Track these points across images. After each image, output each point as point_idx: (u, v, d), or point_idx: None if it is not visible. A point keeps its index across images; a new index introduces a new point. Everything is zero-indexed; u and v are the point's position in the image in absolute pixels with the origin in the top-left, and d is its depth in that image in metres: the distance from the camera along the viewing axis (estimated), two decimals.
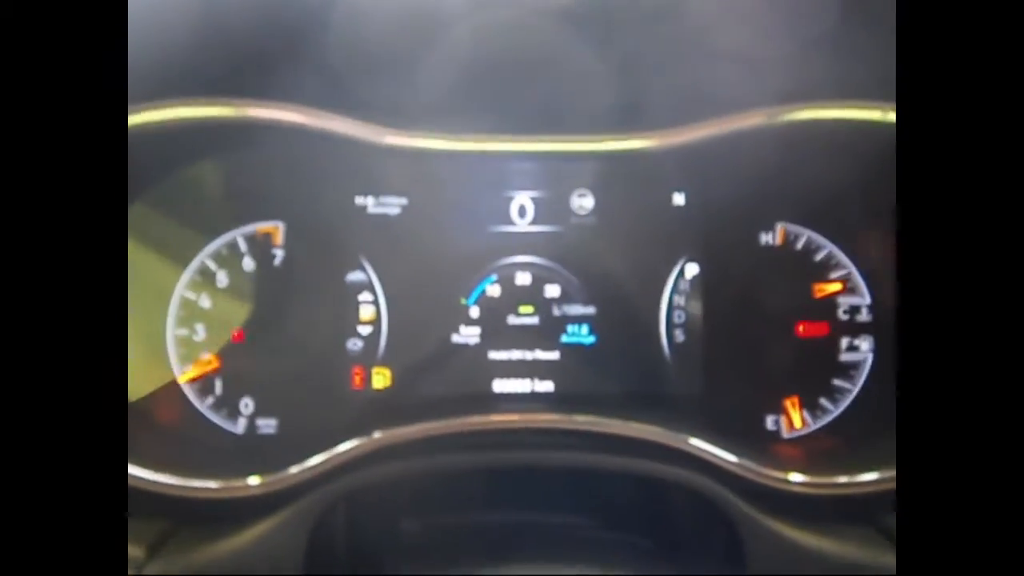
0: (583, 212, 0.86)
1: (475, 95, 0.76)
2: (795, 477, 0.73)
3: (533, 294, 0.86)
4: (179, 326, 0.86)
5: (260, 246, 0.87)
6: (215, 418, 0.86)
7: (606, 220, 0.85)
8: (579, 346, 0.86)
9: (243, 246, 0.87)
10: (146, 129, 0.71)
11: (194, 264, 0.86)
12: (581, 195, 0.86)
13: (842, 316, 0.88)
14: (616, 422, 0.75)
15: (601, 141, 0.79)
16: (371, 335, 0.85)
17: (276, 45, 0.69)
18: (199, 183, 0.86)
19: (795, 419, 0.88)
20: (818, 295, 0.88)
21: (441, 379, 0.85)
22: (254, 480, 0.72)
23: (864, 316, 0.88)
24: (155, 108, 0.71)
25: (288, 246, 0.87)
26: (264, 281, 0.87)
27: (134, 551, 0.66)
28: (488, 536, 0.77)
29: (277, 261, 0.87)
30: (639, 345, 0.86)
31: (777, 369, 0.87)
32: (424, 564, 0.74)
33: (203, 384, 0.86)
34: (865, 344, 0.88)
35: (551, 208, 0.85)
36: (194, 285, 0.86)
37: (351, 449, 0.72)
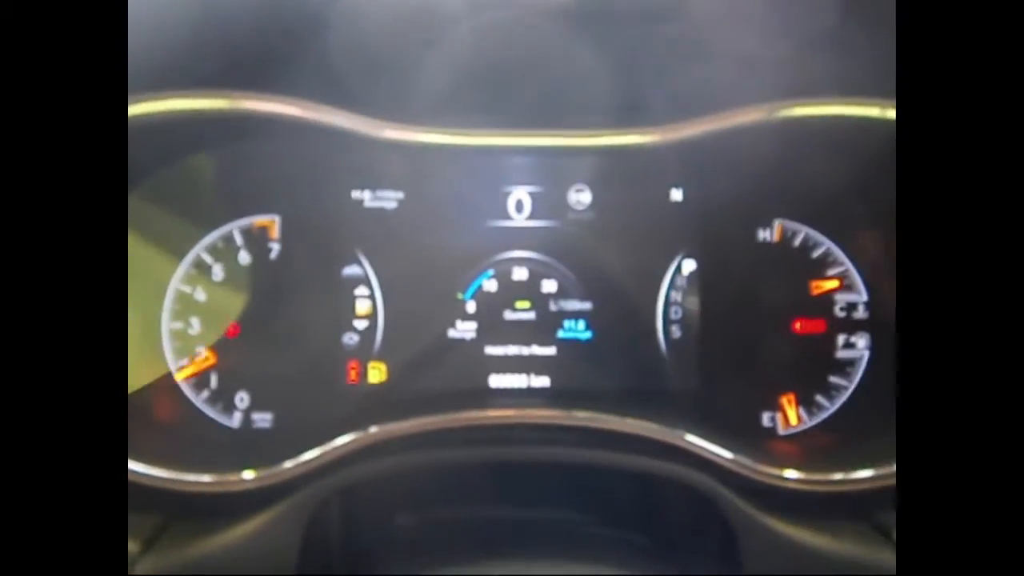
0: (580, 207, 0.85)
1: (473, 90, 0.76)
2: (791, 474, 0.73)
3: (530, 289, 0.85)
4: (174, 319, 0.86)
5: (256, 239, 0.86)
6: (210, 412, 0.85)
7: (603, 216, 0.85)
8: (575, 342, 0.86)
9: (239, 239, 0.86)
10: (143, 121, 0.70)
11: (190, 257, 0.86)
12: (579, 190, 0.85)
13: (839, 313, 0.88)
14: (612, 418, 0.75)
15: (599, 136, 0.79)
16: (367, 329, 0.85)
17: (275, 40, 0.69)
18: (195, 175, 0.85)
19: (791, 416, 0.88)
20: (815, 292, 0.88)
21: (437, 374, 0.85)
22: (249, 474, 0.71)
23: (861, 313, 0.88)
24: (152, 100, 0.70)
25: (284, 239, 0.86)
26: (260, 274, 0.86)
27: (129, 545, 0.65)
28: (483, 532, 0.77)
29: (273, 255, 0.86)
30: (636, 341, 0.86)
31: (774, 366, 0.87)
32: (419, 560, 0.74)
33: (198, 378, 0.86)
34: (861, 341, 0.88)
35: (548, 203, 0.85)
36: (189, 278, 0.86)
37: (346, 444, 0.72)
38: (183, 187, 0.85)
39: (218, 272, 0.86)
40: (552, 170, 0.85)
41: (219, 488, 0.71)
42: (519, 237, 0.85)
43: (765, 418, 0.88)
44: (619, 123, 0.78)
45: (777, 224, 0.88)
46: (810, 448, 0.84)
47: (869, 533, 0.70)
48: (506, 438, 0.76)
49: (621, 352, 0.86)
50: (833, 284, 0.88)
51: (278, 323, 0.86)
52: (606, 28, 0.70)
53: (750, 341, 0.88)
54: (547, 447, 0.75)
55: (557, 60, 0.73)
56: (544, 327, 0.85)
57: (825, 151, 0.80)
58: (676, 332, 0.86)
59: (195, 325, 0.86)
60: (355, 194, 0.84)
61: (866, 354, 0.88)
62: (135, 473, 0.70)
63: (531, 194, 0.85)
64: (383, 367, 0.85)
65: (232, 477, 0.72)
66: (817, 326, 0.88)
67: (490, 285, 0.85)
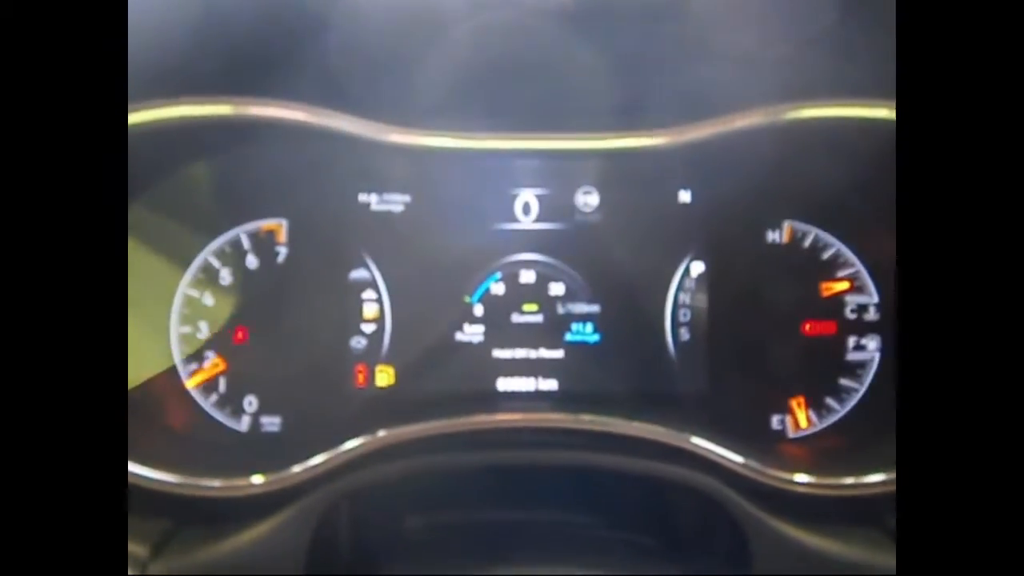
0: (588, 209, 0.85)
1: (480, 93, 0.76)
2: (800, 478, 0.72)
3: (537, 292, 0.85)
4: (182, 323, 0.86)
5: (263, 243, 0.86)
6: (219, 416, 0.86)
7: (611, 218, 0.85)
8: (583, 344, 0.85)
9: (246, 243, 0.86)
10: (149, 127, 0.71)
11: (197, 262, 0.86)
12: (586, 192, 0.85)
13: (849, 315, 0.87)
14: (620, 421, 0.75)
15: (606, 138, 0.78)
16: (375, 333, 0.85)
17: (280, 44, 0.69)
18: (202, 180, 0.86)
19: (801, 419, 0.87)
20: (825, 294, 0.88)
21: (445, 377, 0.85)
22: (258, 479, 0.72)
23: (872, 315, 0.87)
24: (158, 106, 0.71)
25: (291, 243, 0.86)
26: (267, 279, 0.86)
27: (138, 550, 0.66)
28: (492, 536, 0.77)
29: (280, 259, 0.86)
30: (644, 344, 0.85)
31: (783, 368, 0.87)
32: (428, 564, 0.74)
33: (207, 382, 0.86)
34: (872, 343, 0.87)
35: (556, 205, 0.85)
36: (197, 283, 0.86)
37: (354, 448, 0.72)
38: (190, 192, 0.85)
39: (226, 276, 0.86)
40: (559, 172, 0.85)
41: (228, 493, 0.72)
42: (526, 240, 0.85)
43: (775, 421, 0.87)
44: (625, 125, 0.78)
45: (786, 225, 0.88)
46: (820, 451, 0.84)
47: (880, 538, 0.69)
48: (514, 442, 0.76)
49: (629, 355, 0.85)
50: (844, 286, 0.87)
51: (286, 326, 0.86)
52: (612, 29, 0.70)
53: (759, 343, 0.87)
54: (555, 451, 0.75)
55: (563, 63, 0.72)
56: (552, 330, 0.85)
57: (834, 152, 0.80)
58: (685, 334, 0.86)
59: (203, 329, 0.86)
60: (362, 197, 0.84)
61: (877, 356, 0.87)
62: (145, 478, 0.71)
63: (538, 197, 0.85)
64: (391, 371, 0.85)
65: (241, 482, 0.72)
66: (827, 328, 0.87)
67: (497, 288, 0.85)
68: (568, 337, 0.85)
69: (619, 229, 0.85)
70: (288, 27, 0.68)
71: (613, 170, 0.84)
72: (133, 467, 0.71)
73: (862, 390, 0.87)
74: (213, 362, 0.86)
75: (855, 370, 0.87)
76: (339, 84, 0.72)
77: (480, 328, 0.85)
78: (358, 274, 0.85)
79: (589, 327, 0.85)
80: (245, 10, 0.65)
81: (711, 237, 0.85)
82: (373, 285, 0.85)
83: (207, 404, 0.86)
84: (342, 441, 0.72)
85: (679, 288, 0.85)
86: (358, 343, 0.85)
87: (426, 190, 0.84)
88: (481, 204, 0.85)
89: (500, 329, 0.85)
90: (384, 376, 0.85)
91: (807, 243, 0.88)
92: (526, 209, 0.85)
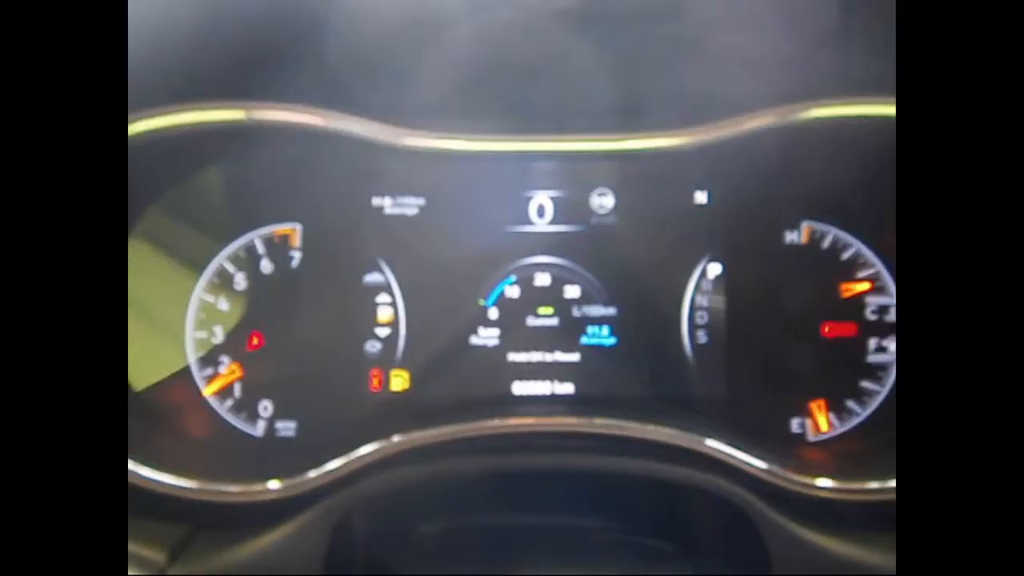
0: (603, 211, 0.84)
1: (494, 95, 0.76)
2: (823, 482, 0.71)
3: (553, 295, 0.84)
4: (198, 328, 0.86)
5: (277, 248, 0.86)
6: (235, 421, 0.86)
7: (627, 219, 0.84)
8: (600, 347, 0.85)
9: (260, 248, 0.86)
10: (162, 133, 0.71)
11: (212, 267, 0.86)
12: (601, 194, 0.84)
13: (870, 316, 0.86)
14: (637, 425, 0.74)
15: (621, 140, 0.78)
16: (389, 337, 0.85)
17: (291, 48, 0.69)
18: (216, 186, 0.86)
19: (821, 422, 0.86)
20: (845, 295, 0.86)
21: (460, 381, 0.84)
22: (274, 484, 0.72)
23: (892, 316, 0.86)
24: (169, 113, 0.71)
25: (306, 248, 0.86)
26: (281, 283, 0.86)
27: (155, 555, 0.66)
28: (508, 539, 0.77)
29: (294, 263, 0.86)
30: (661, 347, 0.85)
31: (802, 371, 0.85)
32: (443, 567, 0.73)
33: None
34: (893, 345, 0.85)
35: (571, 208, 0.84)
36: (212, 288, 0.86)
37: (370, 453, 0.72)
38: (204, 198, 0.86)
39: (240, 281, 0.86)
40: (574, 174, 0.84)
41: (245, 498, 0.72)
42: (541, 242, 0.84)
43: (794, 424, 0.86)
44: (640, 126, 0.77)
45: (805, 226, 0.86)
46: (842, 455, 0.83)
47: None
48: (530, 446, 0.75)
49: (646, 358, 0.85)
50: (864, 286, 0.86)
51: (300, 331, 0.86)
52: (624, 30, 0.69)
53: (778, 346, 0.86)
54: (571, 455, 0.75)
55: (576, 64, 0.72)
56: (567, 333, 0.84)
57: (853, 151, 0.78)
58: (702, 337, 0.85)
59: (218, 334, 0.86)
60: (376, 201, 0.84)
61: None
62: (161, 483, 0.71)
63: (553, 199, 0.84)
64: (405, 375, 0.85)
65: (258, 487, 0.72)
66: (848, 330, 0.86)
67: (512, 291, 0.84)
68: (584, 340, 0.85)
69: (635, 231, 0.84)
70: (300, 30, 0.68)
71: (628, 171, 0.83)
72: (150, 473, 0.71)
73: (884, 393, 0.85)
74: (230, 368, 0.86)
75: (876, 372, 0.86)
76: (350, 87, 0.72)
77: (495, 331, 0.84)
78: (372, 278, 0.84)
79: (605, 330, 0.85)
80: (255, 15, 0.65)
81: (728, 238, 0.84)
82: (387, 289, 0.84)
83: (222, 409, 0.86)
84: (357, 446, 0.72)
85: (696, 290, 0.84)
86: (372, 347, 0.85)
87: (440, 193, 0.84)
88: (495, 206, 0.84)
89: (515, 332, 0.84)
90: (399, 380, 0.85)
91: (826, 243, 0.86)
92: (541, 211, 0.84)
